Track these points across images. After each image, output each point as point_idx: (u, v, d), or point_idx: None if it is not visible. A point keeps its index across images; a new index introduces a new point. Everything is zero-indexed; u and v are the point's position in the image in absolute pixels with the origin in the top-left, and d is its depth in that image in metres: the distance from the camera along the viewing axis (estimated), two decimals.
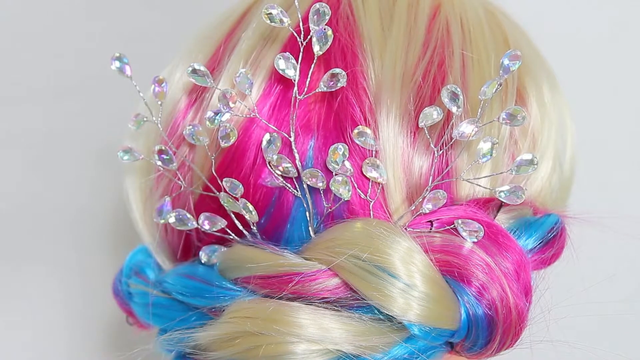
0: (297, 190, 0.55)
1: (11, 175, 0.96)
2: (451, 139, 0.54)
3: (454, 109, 0.53)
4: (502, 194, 0.55)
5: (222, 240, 0.58)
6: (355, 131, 0.54)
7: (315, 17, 0.55)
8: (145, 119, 0.59)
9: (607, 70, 0.96)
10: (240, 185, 0.55)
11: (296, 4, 0.55)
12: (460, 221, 0.54)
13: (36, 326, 0.98)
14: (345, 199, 0.54)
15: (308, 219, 0.55)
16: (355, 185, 0.54)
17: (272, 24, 0.55)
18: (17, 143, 0.96)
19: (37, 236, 0.97)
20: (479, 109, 0.54)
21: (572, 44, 0.92)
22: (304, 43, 0.55)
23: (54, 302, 0.98)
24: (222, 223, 0.57)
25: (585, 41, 0.96)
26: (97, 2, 0.97)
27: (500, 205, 0.57)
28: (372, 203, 0.54)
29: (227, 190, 0.56)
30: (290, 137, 0.55)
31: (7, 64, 0.97)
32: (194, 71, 0.56)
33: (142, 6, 0.94)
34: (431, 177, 0.55)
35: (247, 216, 0.56)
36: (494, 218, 0.56)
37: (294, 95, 0.55)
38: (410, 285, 0.51)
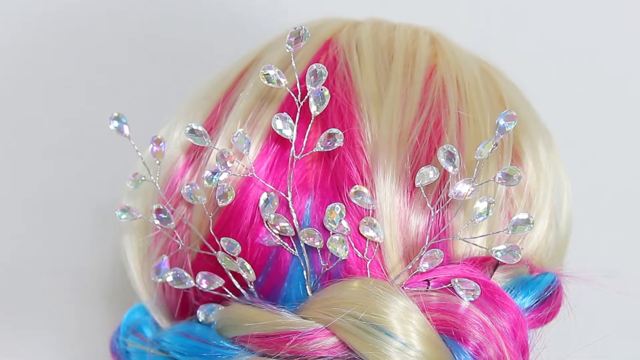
0: (295, 249, 0.55)
1: (11, 234, 0.96)
2: (447, 198, 0.54)
3: (450, 169, 0.53)
4: (498, 253, 0.54)
5: (219, 299, 0.57)
6: (352, 190, 0.54)
7: (312, 77, 0.55)
8: (143, 178, 0.59)
9: (600, 120, 0.98)
10: (238, 245, 0.55)
11: (293, 65, 0.56)
12: (457, 280, 0.53)
13: None
14: (343, 258, 0.54)
15: (305, 277, 0.55)
16: (352, 244, 0.54)
17: (270, 84, 0.55)
18: (17, 202, 0.96)
19: (36, 294, 0.96)
20: (475, 169, 0.54)
21: (568, 95, 0.93)
22: (301, 103, 0.55)
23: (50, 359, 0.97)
24: (219, 282, 0.57)
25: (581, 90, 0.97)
26: (94, 64, 0.98)
27: (497, 264, 0.57)
28: (369, 262, 0.54)
29: (225, 249, 0.56)
30: (287, 196, 0.55)
31: (7, 122, 0.97)
32: (192, 131, 0.57)
33: (139, 66, 0.95)
34: (428, 236, 0.54)
35: (244, 275, 0.56)
36: (491, 277, 0.56)
37: (291, 154, 0.55)
38: (407, 345, 0.51)
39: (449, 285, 0.54)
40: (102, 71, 0.96)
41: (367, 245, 0.54)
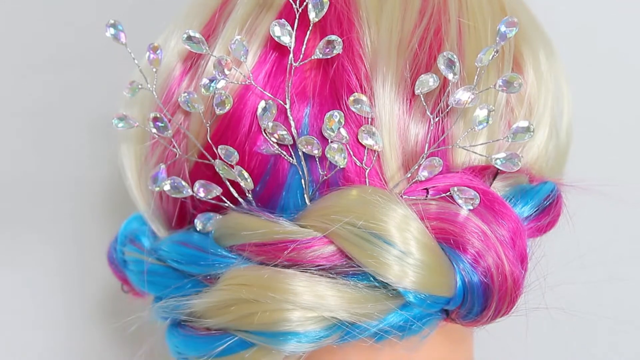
0: (293, 158, 0.55)
1: (8, 146, 0.96)
2: (447, 106, 0.54)
3: (450, 76, 0.53)
4: (498, 161, 0.55)
5: (217, 208, 0.58)
6: (351, 98, 0.53)
7: None
8: (140, 86, 0.59)
9: (604, 37, 0.96)
10: (236, 153, 0.55)
11: None
12: (456, 189, 0.53)
13: (32, 293, 0.98)
14: (341, 167, 0.54)
15: (303, 186, 0.55)
16: (351, 152, 0.54)
17: None
18: (14, 114, 0.96)
19: (33, 205, 0.97)
20: (475, 76, 0.54)
21: (567, 14, 0.92)
22: (300, 10, 0.55)
23: (50, 270, 0.98)
24: (217, 191, 0.57)
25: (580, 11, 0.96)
26: None
27: (497, 173, 0.57)
28: (367, 170, 0.54)
29: (223, 157, 0.56)
30: (285, 104, 0.54)
31: (4, 38, 0.97)
32: (189, 38, 0.56)
33: None
34: (427, 145, 0.54)
35: (242, 184, 0.56)
36: (490, 186, 0.56)
37: (289, 62, 0.55)
38: (405, 253, 0.51)
39: (448, 193, 0.54)
40: None
41: (365, 154, 0.54)
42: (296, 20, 0.55)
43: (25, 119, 0.95)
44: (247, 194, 0.56)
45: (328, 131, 0.53)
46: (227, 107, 0.55)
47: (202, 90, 0.56)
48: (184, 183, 0.58)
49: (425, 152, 0.54)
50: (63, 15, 0.96)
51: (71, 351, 0.98)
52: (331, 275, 0.53)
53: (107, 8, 0.93)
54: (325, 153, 0.54)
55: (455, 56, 0.53)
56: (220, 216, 0.58)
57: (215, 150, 0.56)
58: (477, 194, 0.53)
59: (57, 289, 0.98)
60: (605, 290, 0.95)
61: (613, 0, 0.97)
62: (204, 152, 0.57)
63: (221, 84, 0.56)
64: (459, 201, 0.53)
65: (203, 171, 0.58)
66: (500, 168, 0.55)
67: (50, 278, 0.97)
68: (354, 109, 0.54)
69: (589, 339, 1.01)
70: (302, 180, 0.55)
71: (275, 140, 0.55)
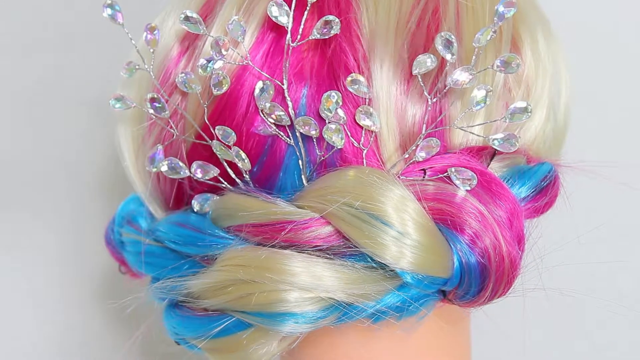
0: (290, 139, 0.55)
1: (4, 126, 0.96)
2: (445, 86, 0.54)
3: (447, 57, 0.53)
4: (495, 141, 0.55)
5: (214, 189, 0.58)
6: (349, 79, 0.53)
7: None
8: (137, 66, 0.59)
9: (602, 21, 0.96)
10: (233, 133, 0.55)
11: None
12: (453, 169, 0.54)
13: (30, 275, 0.99)
14: (338, 147, 0.54)
15: (301, 167, 0.55)
16: (349, 133, 0.54)
17: None
18: (10, 94, 0.96)
19: (30, 186, 0.97)
20: (473, 57, 0.54)
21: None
22: None
23: (46, 251, 0.98)
24: (214, 171, 0.57)
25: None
26: None
27: (494, 154, 0.57)
28: (365, 151, 0.54)
29: (220, 138, 0.56)
30: (283, 84, 0.54)
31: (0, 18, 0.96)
32: (187, 18, 0.56)
33: None
34: (424, 125, 0.55)
35: (239, 164, 0.56)
36: (488, 166, 0.56)
37: (286, 42, 0.55)
38: (403, 233, 0.51)
39: (445, 174, 0.54)
40: None
41: (363, 134, 0.54)
42: (294, 0, 0.55)
43: (21, 102, 0.95)
44: (244, 175, 0.56)
45: (325, 112, 0.53)
46: (225, 88, 0.55)
47: (200, 70, 0.56)
48: (181, 164, 0.58)
49: (423, 132, 0.54)
50: None
51: (69, 331, 0.99)
52: (328, 256, 0.53)
53: None
54: (323, 134, 0.54)
55: (453, 36, 0.53)
56: (218, 197, 0.58)
57: (212, 131, 0.56)
58: (475, 175, 0.53)
59: (55, 271, 0.98)
60: (604, 271, 0.96)
61: None
62: (202, 132, 0.57)
63: (218, 64, 0.55)
64: (457, 182, 0.53)
65: (200, 152, 0.58)
66: (498, 149, 0.55)
67: (48, 260, 0.98)
68: (351, 90, 0.53)
69: (582, 319, 1.02)
70: (300, 161, 0.55)
71: (272, 121, 0.55)
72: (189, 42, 0.59)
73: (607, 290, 0.99)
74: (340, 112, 0.54)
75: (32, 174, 0.96)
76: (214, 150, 0.57)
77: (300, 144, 0.55)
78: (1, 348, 0.99)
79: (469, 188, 0.53)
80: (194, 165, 0.57)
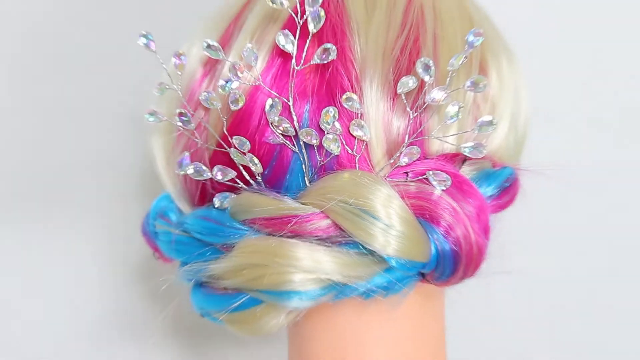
0: (295, 147, 0.55)
1: (53, 136, 0.96)
2: (424, 103, 0.54)
3: (426, 78, 0.53)
4: (466, 149, 0.55)
5: (232, 189, 0.58)
6: (344, 97, 0.53)
7: (310, 0, 0.54)
8: (167, 86, 0.59)
9: (556, 47, 0.97)
10: (248, 142, 0.55)
11: None
12: (431, 172, 0.54)
13: (84, 261, 0.98)
14: (335, 154, 0.54)
15: (304, 170, 0.55)
16: (344, 142, 0.54)
17: (274, 6, 0.55)
18: (58, 105, 0.95)
19: (80, 185, 0.96)
20: (448, 78, 0.54)
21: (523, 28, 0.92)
22: (301, 22, 0.55)
23: (98, 241, 0.98)
24: (232, 174, 0.57)
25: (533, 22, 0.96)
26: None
27: (465, 159, 0.57)
28: (357, 157, 0.54)
29: (237, 146, 0.56)
30: (289, 102, 0.54)
31: (45, 37, 0.95)
32: (209, 46, 0.56)
33: None
34: (407, 136, 0.54)
35: (253, 168, 0.56)
36: (459, 170, 0.56)
37: (292, 66, 0.54)
38: (389, 226, 0.51)
39: (424, 176, 0.54)
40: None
41: (355, 143, 0.54)
42: (298, 31, 0.55)
43: (71, 116, 0.95)
44: (257, 177, 0.56)
45: (324, 124, 0.53)
46: (240, 104, 0.55)
47: (219, 90, 0.56)
48: (204, 168, 0.58)
49: (406, 142, 0.54)
50: (100, 18, 0.95)
51: (113, 305, 0.99)
52: (327, 244, 0.53)
53: (138, 23, 0.91)
54: (322, 142, 0.54)
55: (431, 61, 0.53)
56: (235, 195, 0.57)
57: (230, 140, 0.56)
58: (449, 177, 0.53)
59: (104, 257, 0.98)
60: (557, 253, 0.98)
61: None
62: (221, 142, 0.57)
63: (235, 84, 0.55)
64: (434, 183, 0.53)
65: (220, 158, 0.58)
66: (468, 155, 0.55)
67: (98, 248, 0.98)
68: (346, 106, 0.53)
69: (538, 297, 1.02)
70: (303, 165, 0.55)
71: (280, 132, 0.55)
72: (210, 66, 0.59)
73: (559, 268, 1.00)
74: (337, 124, 0.53)
75: (82, 175, 0.96)
76: (232, 156, 0.56)
77: (304, 151, 0.55)
78: (60, 316, 0.99)
79: (444, 188, 0.53)
80: (215, 169, 0.57)
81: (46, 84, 0.94)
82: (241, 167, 0.56)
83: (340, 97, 0.54)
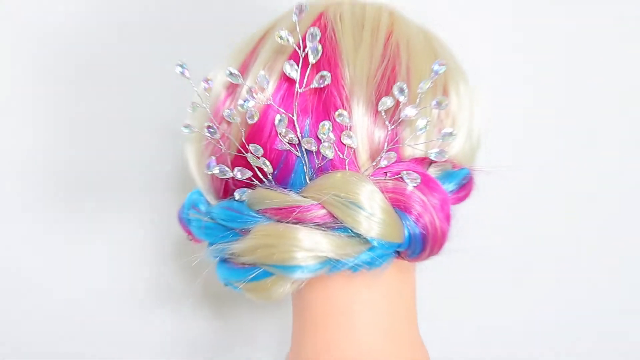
0: (298, 152, 0.55)
1: (108, 150, 0.94)
2: (399, 118, 0.54)
3: (401, 99, 0.53)
4: (432, 154, 0.55)
5: (249, 185, 0.58)
6: (337, 113, 0.54)
7: (310, 37, 0.55)
8: (198, 105, 0.59)
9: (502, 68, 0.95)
10: (261, 149, 0.56)
11: (297, 29, 0.56)
12: (405, 172, 0.54)
13: (133, 245, 0.98)
14: (330, 158, 0.54)
15: (305, 171, 0.56)
16: (336, 148, 0.54)
17: (282, 42, 0.55)
18: (115, 117, 0.94)
19: (131, 184, 0.95)
20: (418, 99, 0.54)
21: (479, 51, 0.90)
22: (303, 55, 0.55)
23: (144, 228, 0.97)
24: (249, 173, 0.57)
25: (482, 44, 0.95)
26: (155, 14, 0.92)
27: (431, 162, 0.57)
28: (347, 160, 0.55)
29: (252, 152, 0.56)
30: (293, 117, 0.55)
31: (87, 63, 0.93)
32: (231, 74, 0.56)
33: (196, 29, 0.92)
34: (386, 144, 0.55)
35: (265, 169, 0.56)
36: (427, 170, 0.56)
37: (296, 89, 0.55)
38: (372, 214, 0.52)
39: (399, 175, 0.54)
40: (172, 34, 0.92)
41: (346, 149, 0.54)
42: (300, 61, 0.55)
43: (120, 126, 0.94)
44: (268, 176, 0.56)
45: (321, 135, 0.54)
46: (255, 119, 0.56)
47: (239, 107, 0.56)
48: (227, 168, 0.58)
49: (385, 149, 0.55)
50: (136, 47, 0.92)
51: (159, 277, 0.99)
52: (323, 229, 0.53)
53: (174, 55, 0.89)
54: (320, 149, 0.54)
55: (405, 85, 0.53)
56: (251, 190, 0.57)
57: (247, 147, 0.56)
58: (419, 176, 0.54)
59: (149, 239, 0.97)
60: (508, 230, 0.96)
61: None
62: (240, 148, 0.57)
63: (251, 103, 0.56)
64: (407, 180, 0.54)
65: (239, 161, 0.58)
66: (434, 159, 0.55)
67: (146, 232, 0.97)
68: (338, 120, 0.54)
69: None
70: (304, 167, 0.55)
71: (287, 141, 0.55)
72: (232, 89, 0.59)
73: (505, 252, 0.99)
74: (331, 135, 0.54)
75: (132, 177, 0.95)
76: (249, 160, 0.57)
77: (305, 155, 0.55)
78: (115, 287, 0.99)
79: (415, 185, 0.54)
80: (235, 169, 0.57)
81: (106, 99, 0.93)
82: (256, 168, 0.57)
83: (334, 113, 0.54)
